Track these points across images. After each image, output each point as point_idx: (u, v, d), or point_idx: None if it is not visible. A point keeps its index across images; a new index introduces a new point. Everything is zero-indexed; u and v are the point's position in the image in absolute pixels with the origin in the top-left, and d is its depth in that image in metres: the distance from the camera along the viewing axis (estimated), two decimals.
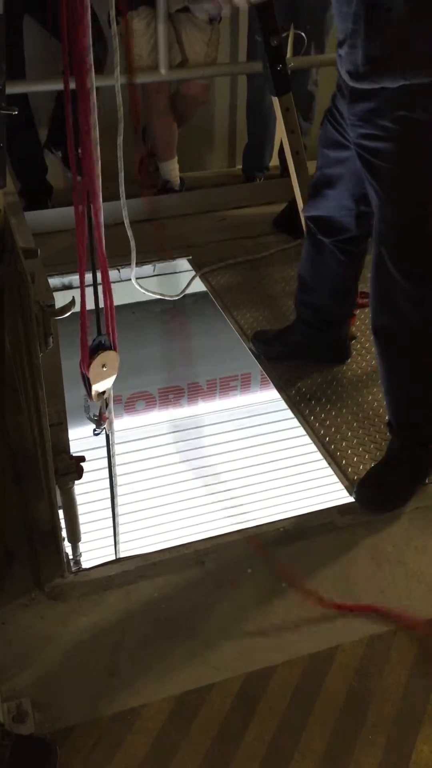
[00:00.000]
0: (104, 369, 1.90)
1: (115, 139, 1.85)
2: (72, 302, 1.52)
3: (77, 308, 1.91)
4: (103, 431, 1.95)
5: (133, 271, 2.71)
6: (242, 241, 3.18)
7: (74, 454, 1.68)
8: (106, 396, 1.96)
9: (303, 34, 2.27)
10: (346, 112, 1.76)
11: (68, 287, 3.04)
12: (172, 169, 3.40)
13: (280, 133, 2.23)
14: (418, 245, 1.75)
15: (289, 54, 2.83)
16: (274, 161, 3.63)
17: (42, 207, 3.30)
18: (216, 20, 3.02)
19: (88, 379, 1.85)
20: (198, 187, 3.57)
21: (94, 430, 2.00)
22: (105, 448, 2.01)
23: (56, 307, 1.44)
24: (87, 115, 1.67)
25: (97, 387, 1.89)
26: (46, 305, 1.42)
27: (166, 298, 2.95)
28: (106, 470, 2.07)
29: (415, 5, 1.49)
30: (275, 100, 2.19)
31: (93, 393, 1.87)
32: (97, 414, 1.73)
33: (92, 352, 1.87)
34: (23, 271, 1.40)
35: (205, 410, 3.81)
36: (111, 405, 2.06)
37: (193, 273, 3.05)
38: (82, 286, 1.78)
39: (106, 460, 2.03)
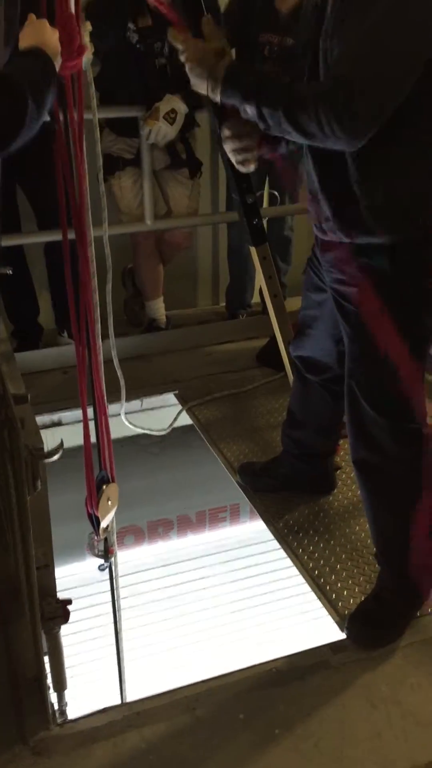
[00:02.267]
0: (109, 503, 1.94)
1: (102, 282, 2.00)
2: (61, 444, 1.57)
3: (78, 442, 1.96)
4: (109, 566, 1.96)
5: (122, 407, 2.79)
6: (227, 375, 3.29)
7: (61, 598, 1.66)
8: (109, 529, 1.99)
9: (276, 193, 2.47)
10: (321, 259, 1.90)
11: (57, 424, 3.10)
12: (159, 308, 3.56)
13: (259, 278, 2.38)
14: (384, 382, 1.82)
15: (265, 204, 3.07)
16: (256, 298, 3.82)
17: (33, 348, 3.41)
18: (197, 176, 3.28)
19: (97, 517, 1.88)
20: (184, 325, 3.72)
21: (100, 565, 2.00)
22: (92, 587, 2.00)
23: (45, 450, 1.48)
24: (86, 266, 1.82)
25: (105, 523, 1.92)
26: (35, 449, 1.46)
27: (154, 433, 3.00)
28: (92, 609, 2.05)
29: (364, 169, 1.63)
30: (252, 250, 2.35)
31: (101, 529, 1.90)
32: (102, 549, 1.74)
33: (97, 488, 1.91)
34: (13, 417, 1.45)
35: (194, 543, 3.78)
36: (114, 536, 2.09)
37: (180, 407, 3.14)
38: (86, 426, 1.86)
39: (90, 599, 2.02)
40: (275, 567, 3.51)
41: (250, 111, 1.62)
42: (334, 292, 1.86)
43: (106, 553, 2.09)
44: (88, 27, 1.97)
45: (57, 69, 1.52)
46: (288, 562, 2.31)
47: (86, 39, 1.93)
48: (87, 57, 1.90)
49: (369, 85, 1.47)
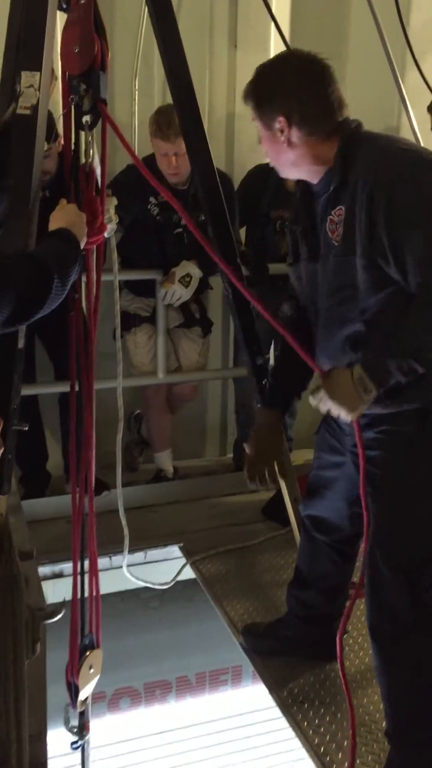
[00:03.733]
0: (91, 671, 1.85)
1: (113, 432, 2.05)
2: (63, 604, 1.55)
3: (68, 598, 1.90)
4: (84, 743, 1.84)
5: (125, 559, 2.74)
6: (232, 529, 3.25)
7: None
8: (87, 701, 1.88)
9: None
10: (340, 423, 1.94)
11: (59, 575, 3.03)
12: (166, 459, 3.60)
13: None
14: (406, 546, 1.82)
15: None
16: None
17: (39, 495, 3.42)
18: (208, 334, 3.44)
19: (76, 686, 1.79)
20: (191, 476, 3.73)
21: (73, 743, 1.86)
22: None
23: (47, 611, 1.46)
24: (90, 414, 1.88)
25: (85, 692, 1.82)
26: (36, 608, 1.44)
27: (157, 586, 2.94)
28: None
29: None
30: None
31: (79, 701, 1.80)
32: (77, 725, 1.64)
33: (81, 653, 1.83)
34: (17, 574, 1.44)
35: (193, 707, 3.57)
36: (89, 709, 1.95)
37: (183, 560, 3.08)
38: (75, 589, 1.82)
39: None
40: (277, 738, 3.29)
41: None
42: (355, 455, 1.88)
43: (81, 730, 1.94)
44: (114, 201, 2.16)
45: (82, 246, 1.67)
46: (291, 732, 2.18)
47: (112, 211, 2.12)
48: (112, 226, 2.08)
49: None
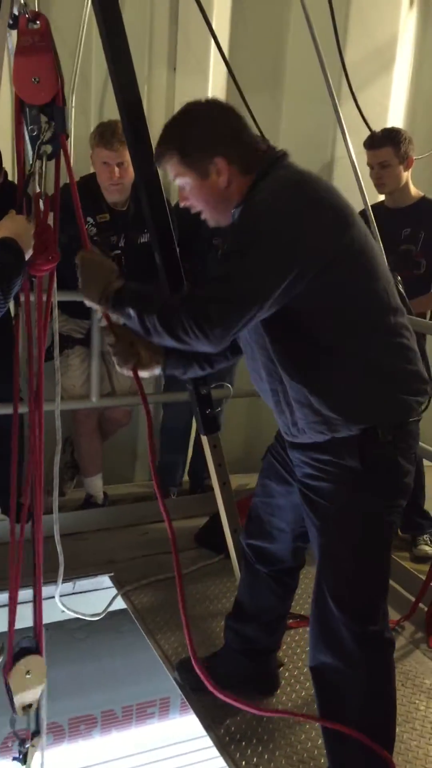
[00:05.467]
0: (28, 676, 1.76)
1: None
2: (2, 647, 1.46)
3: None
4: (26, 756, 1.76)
5: (58, 589, 2.63)
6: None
7: None
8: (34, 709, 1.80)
9: (229, 384, 2.57)
10: (289, 455, 1.91)
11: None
12: (97, 484, 3.50)
13: (209, 464, 2.40)
14: (354, 580, 1.80)
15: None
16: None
17: None
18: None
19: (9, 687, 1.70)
20: (120, 501, 3.64)
21: (16, 756, 1.79)
22: None
23: None
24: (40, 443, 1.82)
25: (22, 698, 1.73)
26: None
27: (88, 618, 2.83)
28: None
29: (312, 388, 1.74)
30: (204, 438, 2.38)
31: (17, 705, 1.71)
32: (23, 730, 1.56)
33: (15, 657, 1.74)
34: None
35: (119, 742, 3.46)
36: (44, 721, 1.87)
37: (114, 590, 2.99)
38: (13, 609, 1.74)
39: None
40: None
41: (133, 319, 1.71)
42: (304, 486, 1.86)
43: (21, 740, 1.88)
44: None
45: (26, 258, 1.62)
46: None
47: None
48: None
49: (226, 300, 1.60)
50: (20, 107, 1.77)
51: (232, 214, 1.79)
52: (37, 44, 1.66)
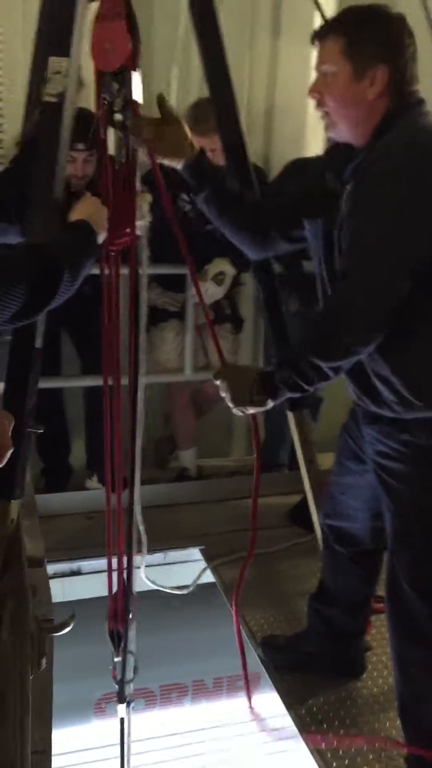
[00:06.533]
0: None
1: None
2: (72, 616, 1.48)
3: (96, 593, 1.85)
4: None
5: (143, 561, 2.67)
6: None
7: None
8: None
9: None
10: (362, 431, 1.85)
11: (77, 573, 2.98)
12: (191, 458, 3.52)
13: (295, 442, 2.35)
14: (428, 561, 1.72)
15: None
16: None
17: (60, 489, 3.36)
18: (239, 331, 3.35)
19: (119, 633, 1.76)
20: (215, 476, 3.65)
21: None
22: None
23: (55, 623, 1.39)
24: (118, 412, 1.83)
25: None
26: (43, 620, 1.37)
27: (174, 592, 2.86)
28: None
29: (389, 360, 1.66)
30: (290, 414, 2.33)
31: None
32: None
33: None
34: (22, 583, 1.37)
35: (209, 712, 3.49)
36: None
37: (203, 563, 3.01)
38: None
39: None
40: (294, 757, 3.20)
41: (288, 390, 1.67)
42: (376, 464, 1.80)
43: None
44: (148, 198, 2.10)
45: (100, 241, 1.61)
46: (308, 755, 2.09)
47: (145, 208, 2.06)
48: (143, 223, 2.02)
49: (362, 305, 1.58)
50: (99, 76, 1.73)
51: (355, 154, 1.69)
52: (113, 10, 1.62)
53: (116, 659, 1.89)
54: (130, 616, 1.90)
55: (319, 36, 1.66)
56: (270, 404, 1.69)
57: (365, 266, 1.55)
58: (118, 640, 1.82)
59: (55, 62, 1.54)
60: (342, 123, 1.67)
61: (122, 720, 2.03)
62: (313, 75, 2.67)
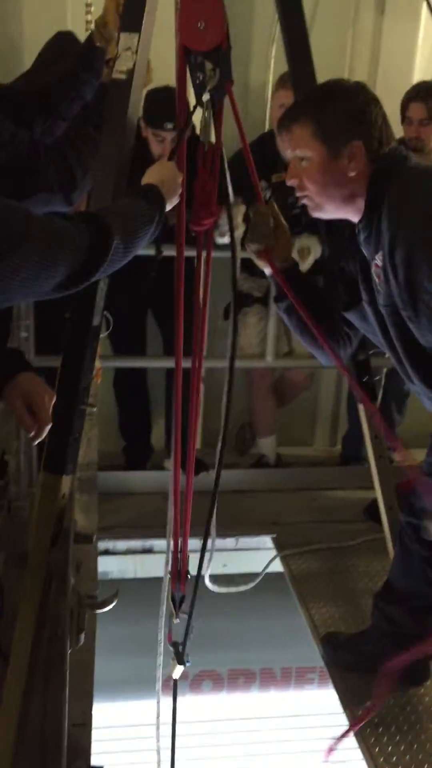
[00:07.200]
0: None
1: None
2: (116, 594, 1.49)
3: None
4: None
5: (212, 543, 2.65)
6: (330, 525, 3.10)
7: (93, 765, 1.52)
8: None
9: None
10: None
11: (148, 551, 3.02)
12: (269, 445, 3.48)
13: (365, 436, 2.27)
14: None
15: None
16: None
17: (140, 468, 3.41)
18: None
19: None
20: (294, 464, 3.60)
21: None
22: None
23: (98, 600, 1.41)
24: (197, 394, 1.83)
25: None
26: (86, 596, 1.38)
27: (240, 590, 2.85)
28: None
29: None
30: (360, 407, 2.25)
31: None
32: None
33: None
34: (66, 557, 1.39)
35: (276, 701, 3.48)
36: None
37: (274, 551, 2.98)
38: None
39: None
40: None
41: None
42: None
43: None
44: (242, 210, 2.11)
45: (170, 207, 1.56)
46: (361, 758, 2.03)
47: (239, 219, 2.08)
48: (238, 234, 2.01)
49: None
50: (184, 55, 1.70)
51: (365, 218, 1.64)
52: None
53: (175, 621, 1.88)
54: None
55: (284, 125, 1.65)
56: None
57: None
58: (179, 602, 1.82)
59: (126, 38, 1.52)
60: (327, 204, 1.67)
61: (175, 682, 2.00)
62: (419, 55, 2.51)
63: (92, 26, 1.95)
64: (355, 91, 1.66)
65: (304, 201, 1.71)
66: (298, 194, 1.70)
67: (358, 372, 2.14)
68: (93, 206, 1.55)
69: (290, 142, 1.66)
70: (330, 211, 1.69)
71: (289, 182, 1.69)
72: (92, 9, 2.11)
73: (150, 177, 1.56)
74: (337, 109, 1.60)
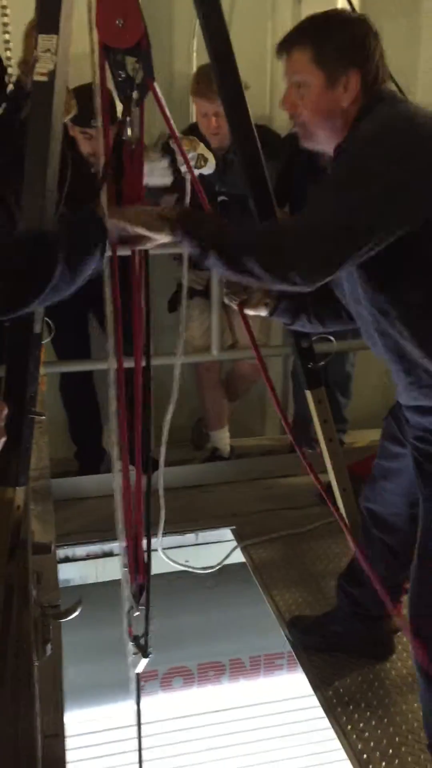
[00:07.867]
0: None
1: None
2: (78, 602, 1.48)
3: None
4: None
5: (159, 542, 2.66)
6: (287, 512, 3.13)
7: None
8: None
9: (331, 338, 2.41)
10: (405, 414, 1.78)
11: (108, 555, 3.00)
12: (222, 438, 3.50)
13: (314, 420, 2.29)
14: None
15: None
16: None
17: (94, 471, 3.38)
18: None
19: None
20: (247, 455, 3.62)
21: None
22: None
23: (61, 609, 1.39)
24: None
25: None
26: (49, 606, 1.37)
27: (198, 571, 2.87)
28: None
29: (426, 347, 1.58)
30: (308, 393, 2.27)
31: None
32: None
33: None
34: (25, 570, 1.37)
35: (247, 689, 3.50)
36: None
37: (234, 543, 3.00)
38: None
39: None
40: (321, 738, 3.17)
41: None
42: (413, 448, 1.73)
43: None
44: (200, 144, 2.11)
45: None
46: (334, 736, 2.06)
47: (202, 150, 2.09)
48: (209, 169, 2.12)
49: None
50: (104, 53, 1.68)
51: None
52: None
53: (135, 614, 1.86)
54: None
55: (284, 48, 1.60)
56: (170, 239, 1.53)
57: (344, 198, 1.44)
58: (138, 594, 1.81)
59: (44, 40, 1.50)
60: (319, 132, 1.62)
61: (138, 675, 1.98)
62: None
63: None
64: (357, 21, 1.60)
65: (296, 129, 1.66)
66: (291, 120, 1.65)
67: (303, 358, 2.16)
68: (23, 217, 1.51)
69: (289, 66, 1.60)
70: (321, 141, 1.64)
71: (283, 107, 1.63)
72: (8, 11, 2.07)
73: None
74: (337, 36, 1.55)
